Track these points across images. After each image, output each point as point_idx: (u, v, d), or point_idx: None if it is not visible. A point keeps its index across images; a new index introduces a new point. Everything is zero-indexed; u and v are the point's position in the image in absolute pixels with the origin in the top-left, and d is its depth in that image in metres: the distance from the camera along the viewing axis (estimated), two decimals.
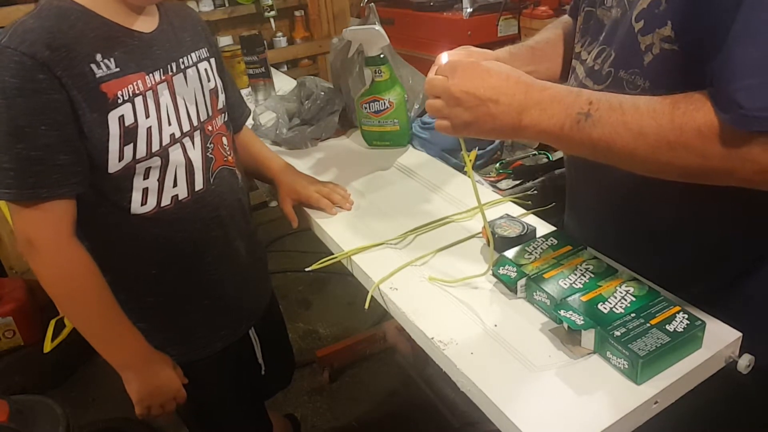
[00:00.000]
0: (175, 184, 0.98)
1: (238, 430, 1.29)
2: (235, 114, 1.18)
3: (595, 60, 0.82)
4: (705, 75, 0.61)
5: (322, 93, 1.46)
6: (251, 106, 1.67)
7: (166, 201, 0.98)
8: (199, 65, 1.02)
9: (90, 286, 0.94)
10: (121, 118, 0.89)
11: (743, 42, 0.57)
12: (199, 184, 1.01)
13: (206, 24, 1.12)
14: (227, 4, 2.76)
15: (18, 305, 2.09)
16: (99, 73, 0.87)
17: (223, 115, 1.08)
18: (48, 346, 2.07)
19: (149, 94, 0.92)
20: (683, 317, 0.71)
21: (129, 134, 0.90)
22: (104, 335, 0.97)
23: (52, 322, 2.12)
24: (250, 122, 1.49)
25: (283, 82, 1.94)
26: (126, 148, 0.90)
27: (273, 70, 1.91)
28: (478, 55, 0.87)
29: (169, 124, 0.95)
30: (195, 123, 1.00)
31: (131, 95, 0.90)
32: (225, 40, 2.63)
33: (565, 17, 1.04)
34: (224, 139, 1.08)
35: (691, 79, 0.63)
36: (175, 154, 0.97)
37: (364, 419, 1.92)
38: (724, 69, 0.59)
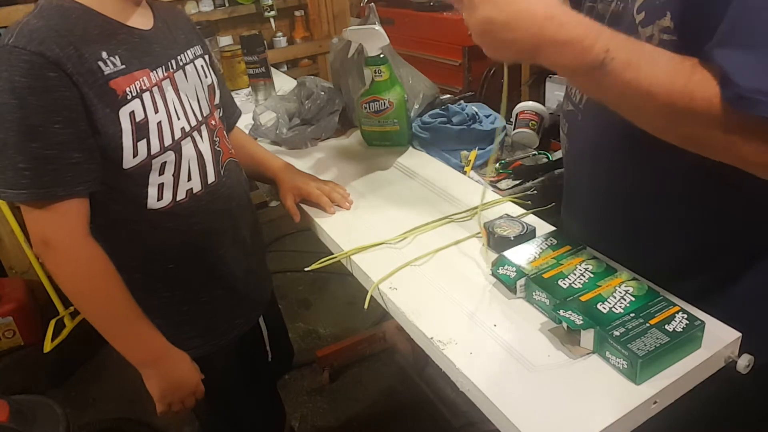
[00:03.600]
0: (189, 178, 0.99)
1: (254, 417, 1.30)
2: (227, 113, 1.19)
3: None
4: None
5: (322, 93, 1.47)
6: (251, 106, 1.67)
7: (181, 195, 0.99)
8: (195, 62, 1.04)
9: (107, 284, 0.94)
10: (132, 113, 0.89)
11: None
12: (211, 177, 1.02)
13: (194, 23, 1.13)
14: (227, 4, 2.76)
15: (18, 305, 2.09)
16: (107, 70, 0.87)
17: (218, 110, 1.10)
18: (48, 346, 2.07)
19: (155, 90, 0.93)
20: (682, 317, 0.71)
21: (141, 130, 0.91)
22: (123, 334, 0.97)
23: (52, 322, 2.12)
24: (249, 122, 1.50)
25: (283, 82, 1.94)
26: (140, 143, 0.91)
27: (273, 70, 1.91)
28: None
29: (178, 118, 0.96)
30: (200, 117, 1.01)
31: (139, 91, 0.90)
32: (225, 40, 2.63)
33: None
34: (225, 134, 1.10)
35: None
36: (187, 148, 0.98)
37: (364, 419, 1.92)
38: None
